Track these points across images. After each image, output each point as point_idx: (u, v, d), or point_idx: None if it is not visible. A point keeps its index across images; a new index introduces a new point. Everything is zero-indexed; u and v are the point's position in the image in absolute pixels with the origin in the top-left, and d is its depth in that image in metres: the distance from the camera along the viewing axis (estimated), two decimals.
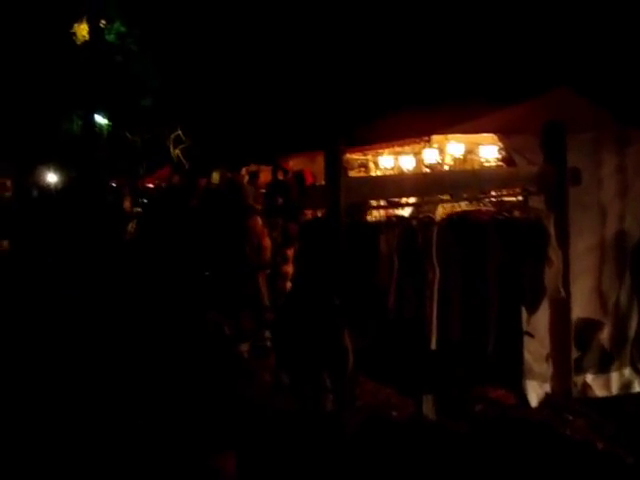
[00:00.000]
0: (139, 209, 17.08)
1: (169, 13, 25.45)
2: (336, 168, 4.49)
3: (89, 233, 14.58)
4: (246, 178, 12.78)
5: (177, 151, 25.68)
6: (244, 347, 7.17)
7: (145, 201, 16.28)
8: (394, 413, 5.66)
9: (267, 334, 6.85)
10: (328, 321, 4.50)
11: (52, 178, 25.58)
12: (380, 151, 9.21)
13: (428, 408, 5.49)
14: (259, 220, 7.24)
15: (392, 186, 4.99)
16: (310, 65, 14.04)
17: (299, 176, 7.98)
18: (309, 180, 8.06)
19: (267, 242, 7.16)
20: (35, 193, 14.82)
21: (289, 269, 7.46)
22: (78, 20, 23.60)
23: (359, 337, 4.71)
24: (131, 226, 16.14)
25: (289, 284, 7.55)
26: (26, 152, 29.86)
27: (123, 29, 29.65)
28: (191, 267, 8.31)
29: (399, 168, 8.98)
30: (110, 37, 28.62)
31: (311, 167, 9.27)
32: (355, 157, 10.44)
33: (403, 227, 4.88)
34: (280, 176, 8.74)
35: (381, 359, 5.12)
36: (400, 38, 13.09)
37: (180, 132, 25.43)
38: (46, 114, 30.78)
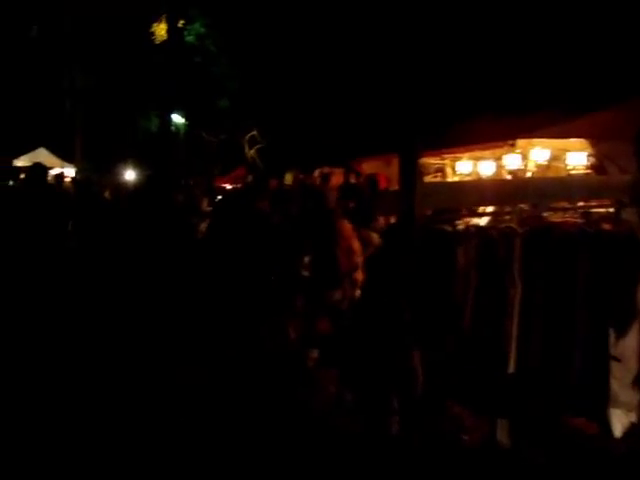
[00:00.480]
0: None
1: (249, 15, 25.59)
2: (411, 172, 4.16)
3: (163, 232, 14.65)
4: (318, 180, 12.62)
5: (252, 152, 25.76)
6: (313, 354, 6.86)
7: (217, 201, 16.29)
8: (465, 437, 5.26)
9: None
10: (397, 339, 4.16)
11: (130, 176, 26.00)
12: (458, 155, 8.80)
13: (502, 433, 5.07)
14: (347, 223, 6.92)
15: (471, 193, 4.62)
16: (388, 66, 13.64)
17: (372, 180, 7.67)
18: (382, 184, 7.76)
19: (356, 245, 6.81)
20: (110, 192, 14.97)
21: (359, 276, 7.15)
22: (157, 20, 23.96)
23: (431, 355, 4.35)
24: (204, 226, 16.16)
25: (358, 292, 7.26)
26: (106, 150, 30.61)
27: (202, 30, 30.09)
28: (259, 270, 8.09)
29: (477, 174, 8.54)
30: (189, 38, 29.07)
31: (386, 171, 8.95)
32: (432, 161, 10.05)
33: (482, 238, 4.48)
34: (352, 179, 8.43)
35: (454, 377, 4.74)
36: (482, 38, 12.57)
37: (256, 133, 25.50)
38: (125, 112, 31.50)
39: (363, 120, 15.87)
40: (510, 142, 7.17)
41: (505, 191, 4.90)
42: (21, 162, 22.14)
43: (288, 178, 14.28)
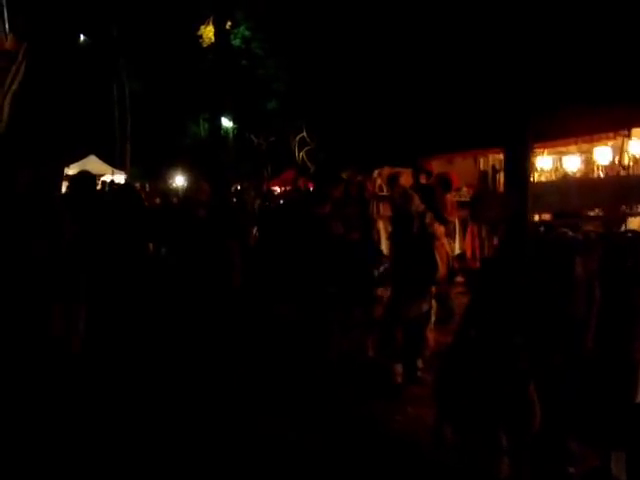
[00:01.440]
0: None
1: (295, 14, 25.19)
2: (522, 170, 3.51)
3: (214, 235, 14.22)
4: (378, 181, 12.00)
5: (302, 154, 25.30)
6: (398, 368, 6.24)
7: (268, 204, 15.84)
8: (571, 469, 4.57)
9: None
10: (508, 366, 3.52)
11: (179, 181, 25.86)
12: (538, 150, 8.01)
13: (618, 468, 4.39)
14: (441, 227, 6.28)
15: (587, 193, 3.91)
16: (480, 54, 12.68)
17: (444, 179, 7.00)
18: (456, 184, 7.09)
19: (443, 252, 6.18)
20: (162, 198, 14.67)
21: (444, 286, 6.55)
22: (204, 22, 23.73)
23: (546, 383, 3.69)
24: (256, 230, 15.78)
25: (433, 303, 6.63)
26: (155, 156, 30.60)
27: (248, 33, 29.87)
28: (319, 280, 7.48)
29: (560, 170, 7.78)
30: (235, 42, 28.88)
31: (451, 170, 8.28)
32: (499, 157, 9.32)
33: (606, 245, 3.80)
34: (423, 180, 7.73)
35: (565, 401, 4.06)
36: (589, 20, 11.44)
37: (305, 134, 25.02)
38: (174, 118, 31.48)
39: (436, 114, 14.95)
40: (624, 132, 6.37)
41: (626, 189, 4.15)
42: (72, 170, 22.05)
43: (344, 176, 13.71)
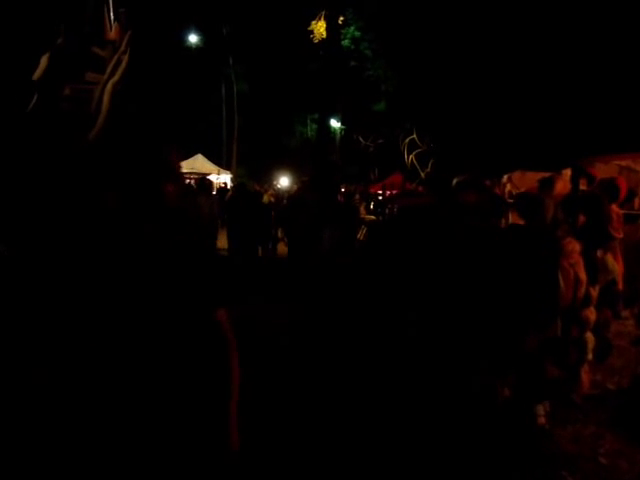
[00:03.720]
0: (372, 217, 15.93)
1: (406, 11, 24.30)
2: None
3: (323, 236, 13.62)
4: (507, 187, 10.86)
5: (411, 157, 24.23)
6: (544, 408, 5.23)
7: (382, 209, 15.02)
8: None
9: None
10: None
11: (284, 182, 25.48)
12: None
13: None
14: (574, 242, 5.20)
15: None
16: None
17: (610, 186, 5.86)
18: (624, 191, 5.93)
19: (584, 275, 5.10)
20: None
21: (591, 315, 5.42)
22: (316, 18, 23.18)
23: None
24: (361, 233, 15.07)
25: (589, 335, 5.52)
26: (261, 157, 30.44)
27: (358, 34, 29.24)
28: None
29: None
30: (345, 42, 28.30)
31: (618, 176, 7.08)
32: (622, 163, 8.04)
33: None
34: (583, 186, 6.53)
35: None
36: None
37: (415, 137, 23.95)
38: (281, 118, 31.28)
39: (600, 109, 13.27)
40: None
41: None
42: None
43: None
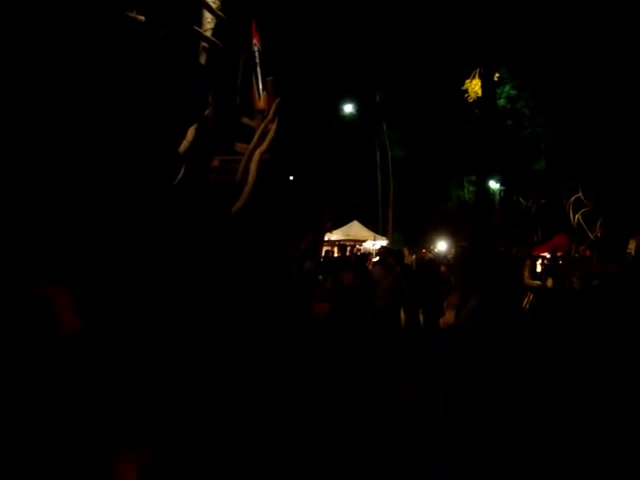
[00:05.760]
0: (537, 282, 14.85)
1: (562, 67, 23.28)
2: None
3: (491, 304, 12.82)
4: None
5: (578, 216, 22.73)
6: None
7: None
8: None
9: None
10: None
11: (442, 246, 24.81)
12: None
13: None
14: None
15: None
16: None
17: None
18: None
19: None
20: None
21: None
22: (470, 77, 22.75)
23: None
24: (527, 301, 14.09)
25: None
26: (417, 221, 30.07)
27: (513, 92, 28.43)
28: None
29: None
30: (501, 101, 27.57)
31: None
32: None
33: None
34: None
35: None
36: None
37: (581, 195, 22.49)
38: (436, 181, 30.86)
39: None
40: None
41: None
42: (335, 236, 22.16)
43: (631, 246, 11.67)
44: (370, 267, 11.17)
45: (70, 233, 3.89)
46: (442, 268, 12.42)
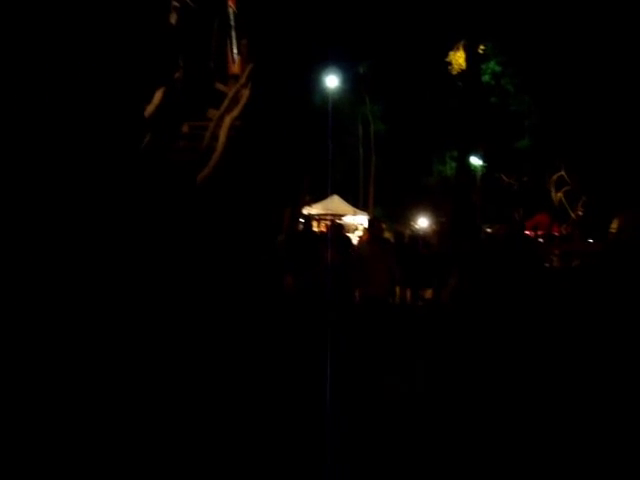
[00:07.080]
0: None
1: (551, 42, 22.95)
2: None
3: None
4: None
5: (560, 195, 22.63)
6: None
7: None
8: None
9: None
10: None
11: (422, 222, 24.60)
12: None
13: None
14: None
15: None
16: None
17: None
18: None
19: None
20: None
21: None
22: (454, 48, 22.35)
23: None
24: None
25: None
26: (397, 197, 29.84)
27: (498, 68, 28.09)
28: None
29: None
30: (485, 77, 27.19)
31: None
32: None
33: None
34: None
35: None
36: None
37: (564, 173, 22.36)
38: (418, 157, 30.59)
39: None
40: None
41: None
42: (315, 209, 21.86)
43: (615, 225, 11.40)
44: (358, 242, 10.54)
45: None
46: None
